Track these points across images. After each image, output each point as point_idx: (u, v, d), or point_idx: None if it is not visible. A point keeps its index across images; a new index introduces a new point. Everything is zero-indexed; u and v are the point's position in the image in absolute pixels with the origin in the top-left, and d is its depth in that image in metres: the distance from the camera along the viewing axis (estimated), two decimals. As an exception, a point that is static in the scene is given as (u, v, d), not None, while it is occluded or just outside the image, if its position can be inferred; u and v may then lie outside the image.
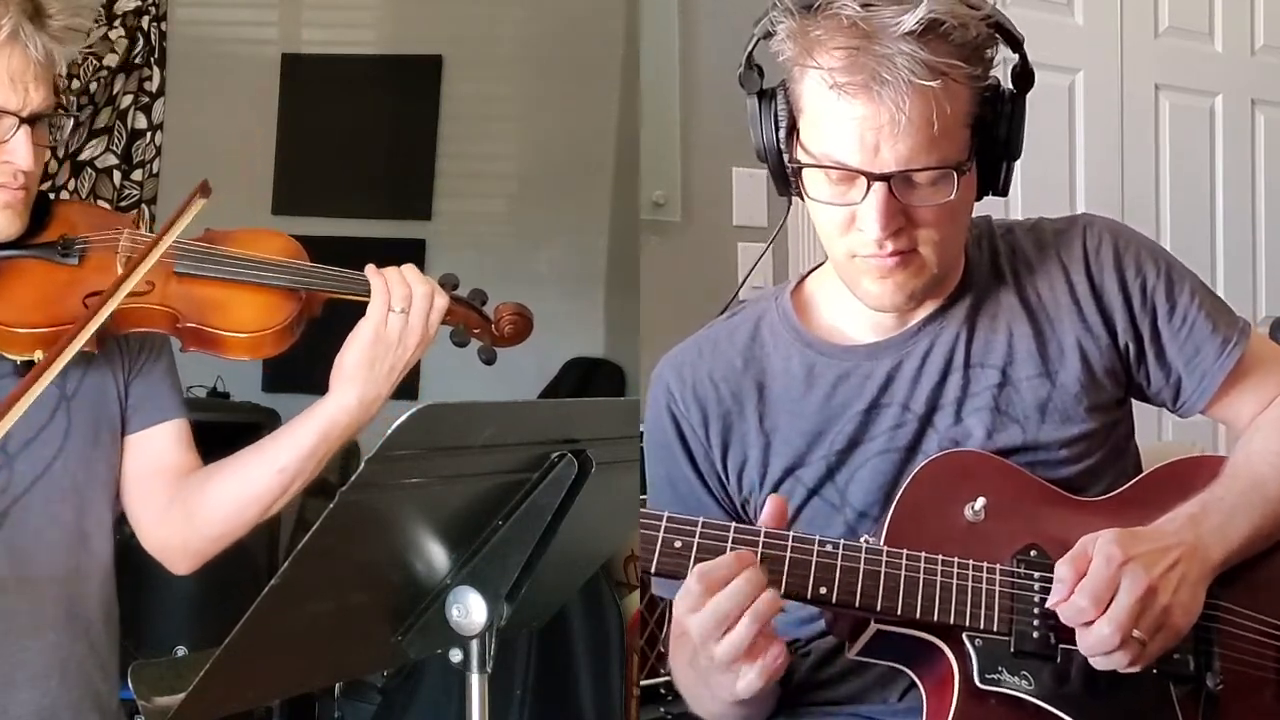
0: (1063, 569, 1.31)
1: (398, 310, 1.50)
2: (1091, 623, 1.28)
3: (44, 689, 1.52)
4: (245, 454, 1.56)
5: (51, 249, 1.49)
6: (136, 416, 1.59)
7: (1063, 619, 1.31)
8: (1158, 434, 3.03)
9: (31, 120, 1.44)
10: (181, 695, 1.08)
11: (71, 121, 3.38)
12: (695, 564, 1.26)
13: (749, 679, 1.24)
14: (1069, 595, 1.29)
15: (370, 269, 1.53)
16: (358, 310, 1.53)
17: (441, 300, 1.53)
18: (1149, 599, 1.29)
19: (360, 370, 1.49)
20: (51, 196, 1.58)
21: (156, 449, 1.60)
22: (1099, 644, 1.28)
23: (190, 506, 1.56)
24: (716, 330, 1.57)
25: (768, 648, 1.24)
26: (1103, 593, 1.28)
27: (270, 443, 1.54)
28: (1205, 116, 3.47)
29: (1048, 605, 1.32)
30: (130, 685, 1.77)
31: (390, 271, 1.52)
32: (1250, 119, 3.53)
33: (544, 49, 4.08)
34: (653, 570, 1.29)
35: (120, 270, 1.49)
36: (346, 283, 1.54)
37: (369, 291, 1.52)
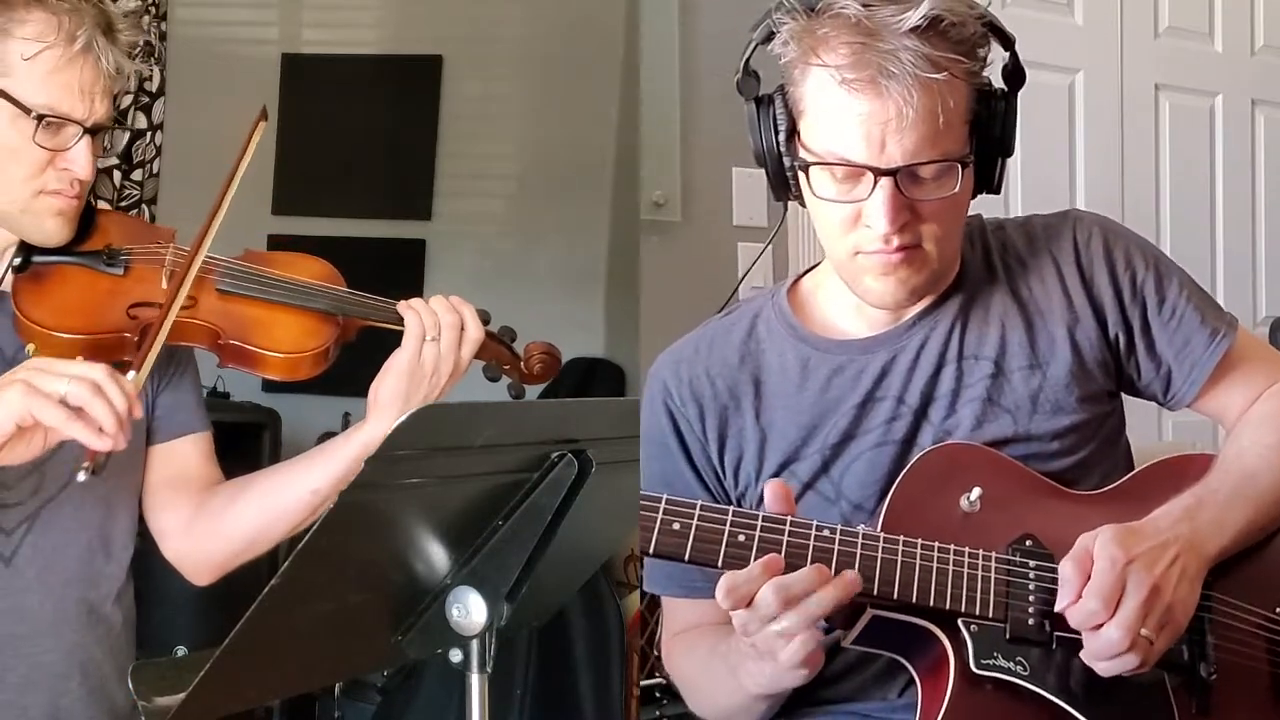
0: (1067, 570, 1.31)
1: (430, 339, 1.51)
2: (1099, 627, 1.28)
3: (63, 689, 1.53)
4: (276, 471, 1.58)
5: (97, 257, 1.51)
6: (164, 427, 1.60)
7: (1072, 623, 1.30)
8: (1158, 434, 3.02)
9: (93, 131, 1.46)
10: (181, 695, 1.08)
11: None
12: (693, 547, 1.28)
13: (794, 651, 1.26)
14: (1077, 598, 1.29)
15: (402, 304, 1.54)
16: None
17: (477, 332, 1.55)
18: (1154, 599, 1.29)
19: (397, 400, 1.50)
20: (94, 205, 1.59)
21: (181, 460, 1.61)
22: (1107, 648, 1.28)
23: (217, 520, 1.57)
24: (713, 328, 1.58)
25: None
26: (1111, 595, 1.28)
27: (304, 462, 1.55)
28: (1205, 116, 3.47)
29: (1056, 609, 1.31)
30: (130, 685, 1.77)
31: (418, 303, 1.54)
32: (1250, 119, 3.53)
33: (544, 49, 4.08)
34: (651, 550, 1.29)
35: (165, 284, 1.51)
36: (384, 311, 1.56)
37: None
